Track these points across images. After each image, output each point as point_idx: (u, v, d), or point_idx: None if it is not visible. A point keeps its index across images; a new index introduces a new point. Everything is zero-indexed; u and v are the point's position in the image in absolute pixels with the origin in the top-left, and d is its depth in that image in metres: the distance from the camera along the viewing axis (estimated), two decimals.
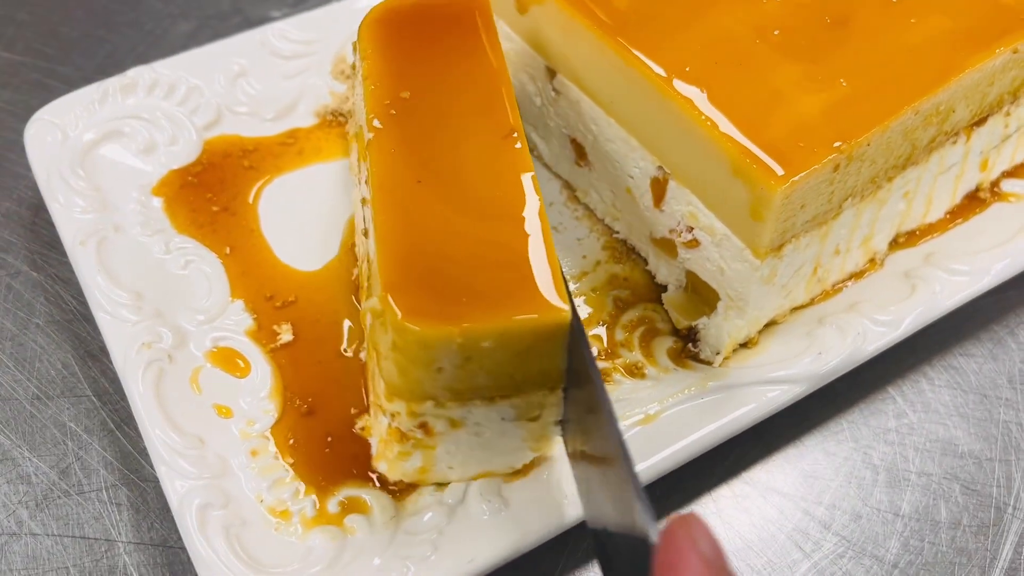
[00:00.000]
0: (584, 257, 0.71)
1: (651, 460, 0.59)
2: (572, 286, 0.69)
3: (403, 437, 0.55)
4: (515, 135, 0.56)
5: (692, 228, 0.63)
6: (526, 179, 0.55)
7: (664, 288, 0.68)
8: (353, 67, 0.61)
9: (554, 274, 0.53)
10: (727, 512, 0.63)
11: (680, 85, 0.60)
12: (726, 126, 0.57)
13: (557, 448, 0.59)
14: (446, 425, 0.55)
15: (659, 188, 0.64)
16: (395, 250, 0.52)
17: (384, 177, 0.54)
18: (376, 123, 0.56)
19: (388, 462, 0.57)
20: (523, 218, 0.54)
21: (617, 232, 0.71)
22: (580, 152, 0.71)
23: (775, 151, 0.56)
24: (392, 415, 0.54)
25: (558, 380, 0.54)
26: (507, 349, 0.52)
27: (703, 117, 0.58)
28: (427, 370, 0.52)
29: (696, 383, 0.62)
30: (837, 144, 0.57)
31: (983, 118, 0.68)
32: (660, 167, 0.63)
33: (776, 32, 0.62)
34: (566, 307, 0.52)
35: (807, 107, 0.58)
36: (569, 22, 0.64)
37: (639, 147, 0.64)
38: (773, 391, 0.61)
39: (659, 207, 0.65)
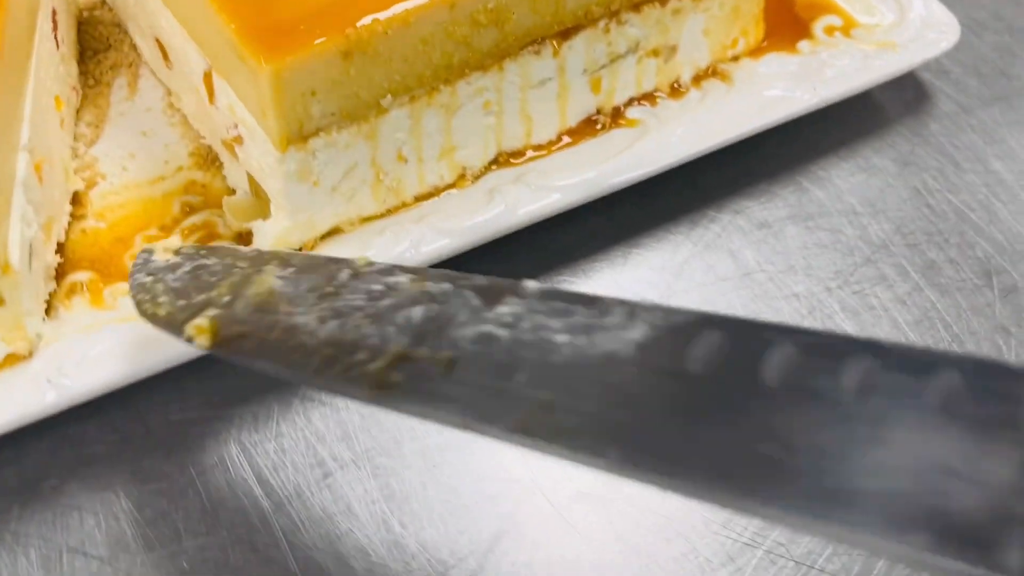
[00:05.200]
0: (166, 163, 0.67)
1: None
2: (139, 192, 0.65)
3: None
4: None
5: (237, 124, 0.60)
6: None
7: (235, 193, 0.65)
8: None
9: None
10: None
11: None
12: (231, 4, 0.55)
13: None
14: None
15: (209, 83, 0.61)
16: None
17: None
18: None
19: None
20: None
21: (204, 138, 0.68)
22: (164, 53, 0.67)
23: (274, 32, 0.54)
24: None
25: None
26: None
27: None
28: None
29: None
30: (344, 30, 0.54)
31: (567, 31, 0.66)
32: (206, 59, 0.60)
33: None
34: None
35: None
36: None
37: (189, 39, 0.61)
38: None
39: (213, 103, 0.62)
